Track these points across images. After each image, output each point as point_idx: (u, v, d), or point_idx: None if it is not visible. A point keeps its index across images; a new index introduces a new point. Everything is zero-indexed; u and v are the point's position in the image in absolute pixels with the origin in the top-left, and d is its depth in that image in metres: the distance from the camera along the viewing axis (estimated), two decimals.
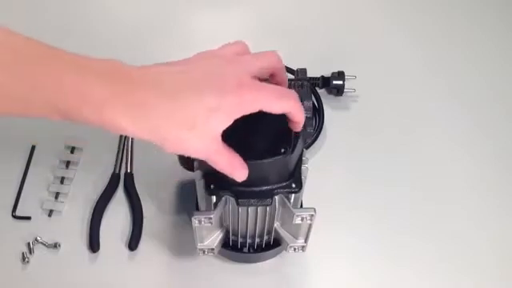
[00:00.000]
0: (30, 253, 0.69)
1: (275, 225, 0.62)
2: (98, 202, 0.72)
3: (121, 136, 0.78)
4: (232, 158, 0.49)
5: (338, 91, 0.82)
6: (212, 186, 0.55)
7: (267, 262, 0.69)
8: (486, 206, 0.75)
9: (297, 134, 0.53)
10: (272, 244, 0.66)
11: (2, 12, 0.91)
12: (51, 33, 0.89)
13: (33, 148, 0.77)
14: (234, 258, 0.69)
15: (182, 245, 0.70)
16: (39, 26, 0.90)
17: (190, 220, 0.56)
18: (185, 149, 0.46)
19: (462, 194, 0.76)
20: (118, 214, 0.72)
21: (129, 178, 0.75)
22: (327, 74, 0.82)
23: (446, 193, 0.76)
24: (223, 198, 0.56)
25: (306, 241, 0.62)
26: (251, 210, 0.57)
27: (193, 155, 0.47)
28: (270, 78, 0.53)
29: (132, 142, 0.78)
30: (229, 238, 0.64)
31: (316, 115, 0.79)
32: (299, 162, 0.56)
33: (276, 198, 0.55)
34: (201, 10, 0.92)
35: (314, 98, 0.79)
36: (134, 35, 0.89)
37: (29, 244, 0.69)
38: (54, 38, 0.91)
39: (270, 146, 0.52)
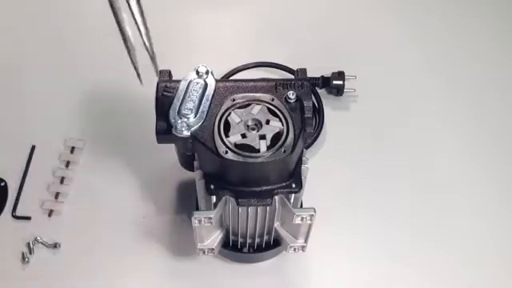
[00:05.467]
0: (30, 253, 0.69)
1: (275, 225, 0.62)
2: None
3: None
4: None
5: (338, 91, 0.82)
6: (212, 186, 0.55)
7: (267, 261, 0.69)
8: (488, 206, 0.75)
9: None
10: (272, 244, 0.66)
11: (2, 11, 0.91)
12: (51, 33, 0.89)
13: (33, 148, 0.77)
14: (234, 258, 0.69)
15: (182, 245, 0.70)
16: (38, 26, 0.90)
17: (190, 220, 0.56)
18: None
19: (464, 193, 0.76)
20: None
21: None
22: (327, 74, 0.82)
23: (447, 192, 0.76)
24: (223, 198, 0.56)
25: (305, 241, 0.62)
26: (251, 209, 0.57)
27: None
28: None
29: None
30: (229, 238, 0.64)
31: (316, 115, 0.79)
32: (299, 162, 0.56)
33: (276, 198, 0.55)
34: (200, 10, 0.92)
35: (314, 98, 0.79)
36: (133, 36, 0.88)
37: (29, 244, 0.69)
38: (53, 38, 0.91)
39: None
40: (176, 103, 0.55)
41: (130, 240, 0.71)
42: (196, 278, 0.69)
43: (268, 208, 0.57)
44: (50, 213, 0.72)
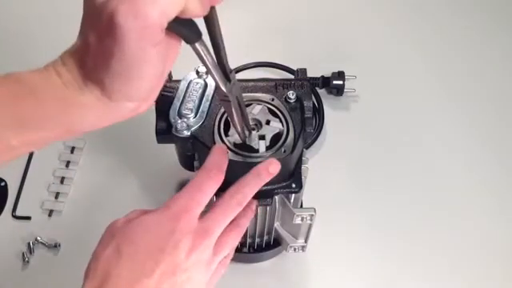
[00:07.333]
0: (30, 253, 0.69)
1: (275, 225, 0.62)
2: None
3: None
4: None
5: (338, 91, 0.82)
6: None
7: (267, 261, 0.69)
8: (487, 208, 0.75)
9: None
10: (272, 244, 0.66)
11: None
12: (50, 32, 0.89)
13: None
14: (234, 258, 0.69)
15: None
16: (36, 20, 0.90)
17: None
18: None
19: (462, 193, 0.76)
20: None
21: None
22: (327, 74, 0.82)
23: (446, 192, 0.76)
24: None
25: (306, 241, 0.62)
26: None
27: None
28: None
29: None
30: None
31: (316, 115, 0.79)
32: (299, 162, 0.56)
33: (276, 198, 0.55)
34: None
35: (314, 98, 0.79)
36: None
37: (29, 244, 0.69)
38: (52, 36, 0.91)
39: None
40: (176, 103, 0.55)
41: None
42: None
43: (268, 208, 0.57)
44: (50, 213, 0.72)
